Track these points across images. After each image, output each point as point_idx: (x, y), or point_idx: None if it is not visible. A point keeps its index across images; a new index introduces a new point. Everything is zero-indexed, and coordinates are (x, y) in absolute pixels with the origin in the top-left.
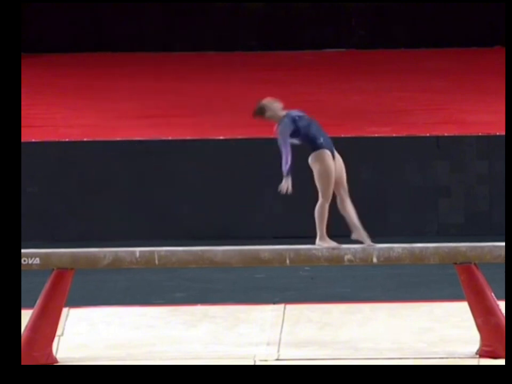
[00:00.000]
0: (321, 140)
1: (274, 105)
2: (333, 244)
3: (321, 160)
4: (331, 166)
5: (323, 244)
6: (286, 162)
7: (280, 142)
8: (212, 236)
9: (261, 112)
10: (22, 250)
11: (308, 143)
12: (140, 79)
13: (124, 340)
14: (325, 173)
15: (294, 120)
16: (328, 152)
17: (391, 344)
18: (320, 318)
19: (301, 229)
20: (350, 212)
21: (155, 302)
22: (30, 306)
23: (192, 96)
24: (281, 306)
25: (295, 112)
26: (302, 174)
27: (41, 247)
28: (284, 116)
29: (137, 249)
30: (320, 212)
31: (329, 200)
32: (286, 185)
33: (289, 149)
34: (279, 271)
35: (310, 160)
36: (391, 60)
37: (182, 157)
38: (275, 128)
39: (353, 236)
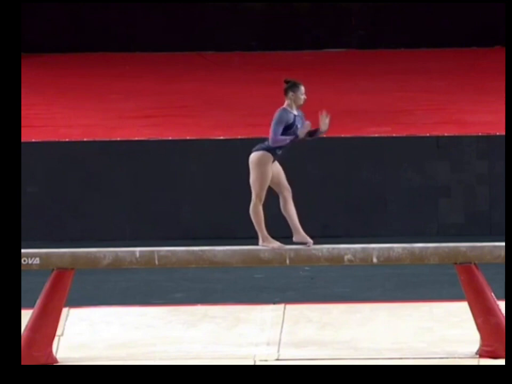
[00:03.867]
0: (281, 151)
1: (300, 93)
2: (277, 243)
3: (263, 164)
4: (269, 171)
5: (267, 245)
6: (285, 139)
7: (273, 127)
8: (212, 236)
9: (291, 88)
10: (22, 250)
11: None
12: (139, 79)
13: (124, 340)
14: (263, 176)
15: (294, 119)
16: (270, 157)
17: (391, 344)
18: (320, 318)
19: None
20: (291, 213)
21: (155, 302)
22: (30, 306)
23: (192, 96)
24: (281, 306)
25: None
26: (301, 173)
27: (41, 247)
28: (288, 109)
29: (137, 249)
30: (256, 212)
31: (262, 201)
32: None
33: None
34: (279, 271)
35: (252, 158)
36: (391, 59)
37: (181, 157)
38: (280, 111)
39: (295, 239)
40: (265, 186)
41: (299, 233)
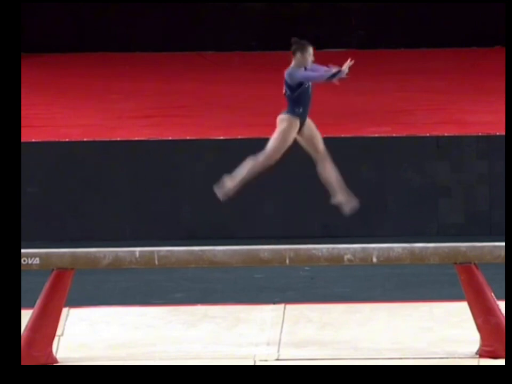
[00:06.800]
0: (301, 109)
1: (308, 54)
2: (231, 184)
3: (287, 126)
4: (291, 133)
5: (227, 183)
6: (322, 74)
7: (302, 76)
8: (212, 236)
9: (300, 49)
10: (22, 250)
11: (290, 102)
12: (139, 79)
13: (124, 340)
14: (283, 135)
15: (304, 76)
16: (297, 123)
17: (391, 344)
18: (320, 318)
19: (301, 229)
20: (328, 176)
21: (155, 302)
22: (30, 306)
23: (192, 96)
24: (281, 306)
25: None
26: (301, 173)
27: (41, 247)
28: (300, 69)
29: (137, 249)
30: (253, 167)
31: (268, 163)
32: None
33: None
34: (279, 271)
35: (280, 117)
36: (391, 59)
37: (181, 157)
38: (287, 73)
39: (334, 200)
40: (280, 147)
41: (339, 195)
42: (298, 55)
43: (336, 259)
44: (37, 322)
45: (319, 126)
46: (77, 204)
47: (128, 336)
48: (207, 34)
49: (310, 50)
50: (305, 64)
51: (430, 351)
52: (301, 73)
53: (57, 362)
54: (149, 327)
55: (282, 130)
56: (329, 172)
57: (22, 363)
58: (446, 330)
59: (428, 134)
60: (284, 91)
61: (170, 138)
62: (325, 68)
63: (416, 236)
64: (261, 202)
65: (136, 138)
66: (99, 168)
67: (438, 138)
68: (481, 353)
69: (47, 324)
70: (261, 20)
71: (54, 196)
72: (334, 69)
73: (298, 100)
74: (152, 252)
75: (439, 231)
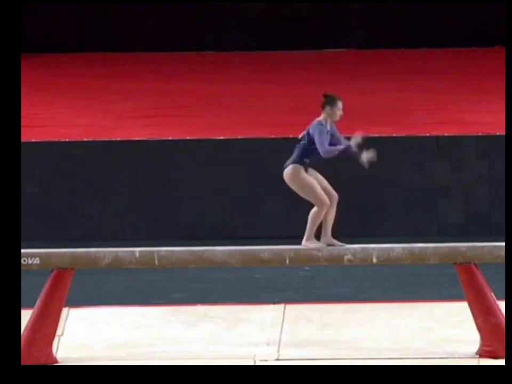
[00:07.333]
0: (309, 160)
1: (337, 108)
2: (319, 244)
3: (296, 176)
4: (306, 177)
5: (309, 245)
6: (337, 149)
7: (318, 139)
8: (212, 236)
9: (330, 102)
10: (22, 250)
11: (302, 151)
12: (139, 79)
13: (124, 340)
14: (305, 185)
15: (319, 145)
16: (300, 167)
17: (391, 344)
18: (320, 318)
19: (301, 229)
20: (328, 217)
21: (155, 302)
22: (30, 306)
23: (192, 96)
24: (281, 306)
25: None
26: None
27: (41, 247)
28: (323, 123)
29: (137, 249)
30: (316, 216)
31: (327, 206)
32: (366, 155)
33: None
34: (279, 271)
35: (284, 176)
36: (391, 59)
37: (182, 157)
38: (313, 124)
39: (322, 241)
40: (316, 191)
41: (326, 236)
42: (327, 108)
43: (336, 259)
44: (37, 322)
45: None
46: (77, 204)
47: (128, 336)
48: (207, 34)
49: (340, 104)
50: (333, 118)
51: (430, 351)
52: (324, 146)
53: (57, 362)
54: (149, 327)
55: (302, 183)
56: (331, 215)
57: (22, 363)
58: (446, 330)
59: (428, 134)
60: (300, 137)
61: (170, 138)
62: (344, 141)
63: (416, 235)
64: (261, 202)
65: (136, 138)
66: (99, 168)
67: (438, 138)
68: (481, 353)
69: (47, 324)
70: (261, 20)
71: (54, 196)
72: (345, 144)
73: (312, 152)
74: (152, 252)
75: (439, 231)
